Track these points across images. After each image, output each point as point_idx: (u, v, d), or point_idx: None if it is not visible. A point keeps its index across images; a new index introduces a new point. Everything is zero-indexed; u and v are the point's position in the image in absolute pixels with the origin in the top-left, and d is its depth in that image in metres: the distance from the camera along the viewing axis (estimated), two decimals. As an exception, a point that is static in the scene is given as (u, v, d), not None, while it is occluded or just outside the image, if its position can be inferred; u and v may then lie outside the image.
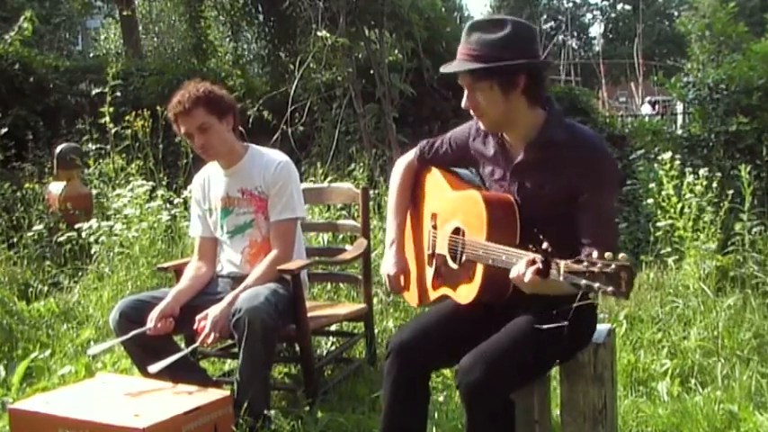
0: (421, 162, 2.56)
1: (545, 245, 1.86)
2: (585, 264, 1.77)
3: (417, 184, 2.58)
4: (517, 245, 2.07)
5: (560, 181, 2.16)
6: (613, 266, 1.73)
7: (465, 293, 2.26)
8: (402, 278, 2.51)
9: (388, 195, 5.37)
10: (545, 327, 2.00)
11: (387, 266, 2.52)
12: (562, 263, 1.82)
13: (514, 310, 2.19)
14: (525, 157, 2.23)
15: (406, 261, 2.53)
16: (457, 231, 2.31)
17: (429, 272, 2.44)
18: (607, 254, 1.76)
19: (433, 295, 2.43)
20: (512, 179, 2.26)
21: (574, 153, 2.15)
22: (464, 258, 2.26)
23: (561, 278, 1.82)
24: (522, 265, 1.94)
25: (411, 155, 2.60)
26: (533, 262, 1.90)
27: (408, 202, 2.58)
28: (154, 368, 2.77)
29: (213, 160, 3.17)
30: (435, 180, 2.51)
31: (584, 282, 1.77)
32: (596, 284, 1.75)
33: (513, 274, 1.98)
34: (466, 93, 2.20)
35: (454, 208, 2.35)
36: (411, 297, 2.56)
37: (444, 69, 2.21)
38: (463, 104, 2.22)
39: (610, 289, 1.72)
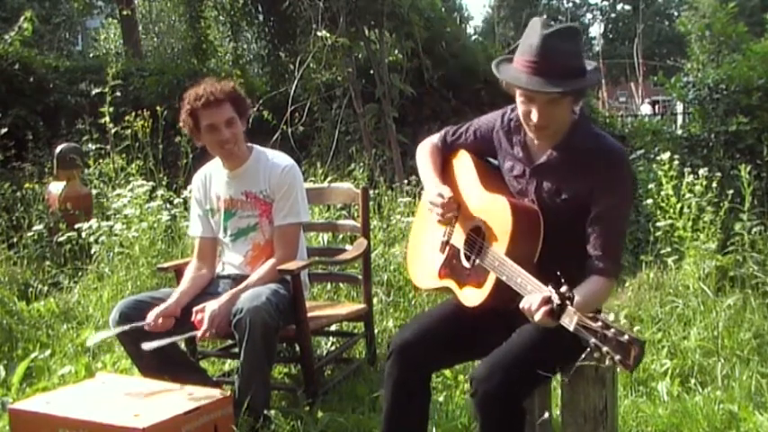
0: (443, 146, 2.52)
1: (564, 288, 1.85)
2: (600, 324, 1.76)
3: (445, 165, 2.52)
4: (535, 262, 2.07)
5: (578, 187, 2.17)
6: (627, 338, 1.71)
7: (471, 297, 2.24)
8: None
9: (386, 195, 5.38)
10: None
11: (433, 191, 2.34)
12: (577, 315, 1.80)
13: (518, 315, 2.18)
14: (549, 158, 2.23)
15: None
16: (477, 231, 2.27)
17: (439, 258, 2.39)
18: (624, 321, 1.76)
19: (437, 283, 2.40)
20: (530, 178, 2.26)
21: (597, 163, 2.16)
22: (477, 262, 2.23)
23: (572, 328, 1.81)
24: (536, 301, 1.93)
25: (435, 138, 2.55)
26: (548, 301, 1.88)
27: (440, 168, 2.48)
28: (148, 345, 2.74)
29: (228, 158, 3.12)
30: (466, 169, 2.44)
31: (593, 341, 1.76)
32: (605, 348, 1.74)
33: (524, 305, 1.97)
34: (537, 107, 2.12)
35: (480, 207, 2.30)
36: (414, 276, 2.54)
37: (541, 88, 2.07)
38: (535, 119, 2.13)
39: (617, 357, 1.71)
